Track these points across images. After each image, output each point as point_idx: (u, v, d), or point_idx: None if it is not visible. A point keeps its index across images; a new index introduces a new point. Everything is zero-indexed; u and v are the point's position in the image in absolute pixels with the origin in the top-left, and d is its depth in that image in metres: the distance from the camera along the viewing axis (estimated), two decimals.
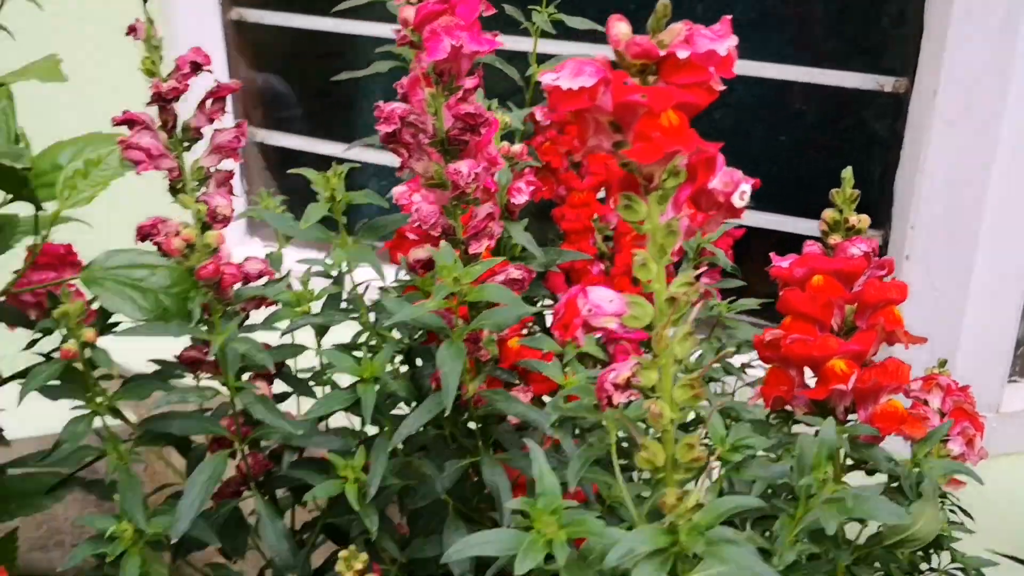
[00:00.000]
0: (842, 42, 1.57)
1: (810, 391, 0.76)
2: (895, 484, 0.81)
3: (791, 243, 0.93)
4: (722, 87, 0.54)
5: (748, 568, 0.53)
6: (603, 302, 0.57)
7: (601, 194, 1.16)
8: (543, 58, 1.12)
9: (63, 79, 0.71)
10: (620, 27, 0.53)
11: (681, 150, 0.51)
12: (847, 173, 0.77)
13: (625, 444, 0.89)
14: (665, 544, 0.53)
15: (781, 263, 0.79)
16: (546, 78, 0.53)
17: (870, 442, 0.79)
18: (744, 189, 0.58)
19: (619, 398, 0.59)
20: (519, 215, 0.96)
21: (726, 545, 0.53)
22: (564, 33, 1.10)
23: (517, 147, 0.94)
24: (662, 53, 0.51)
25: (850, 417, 0.78)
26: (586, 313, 0.57)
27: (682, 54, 0.51)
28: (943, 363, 1.33)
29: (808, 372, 0.79)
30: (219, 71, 1.95)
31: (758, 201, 1.11)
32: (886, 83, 1.48)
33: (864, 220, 0.79)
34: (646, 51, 0.52)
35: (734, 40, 0.53)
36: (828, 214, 0.79)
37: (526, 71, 1.13)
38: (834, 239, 0.79)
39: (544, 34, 1.08)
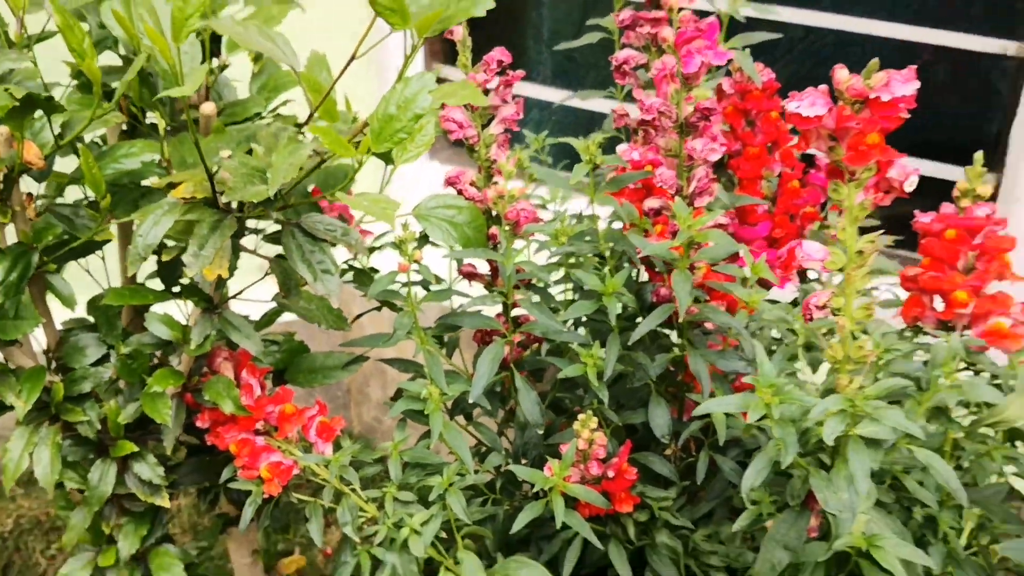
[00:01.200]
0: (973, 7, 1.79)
1: (939, 313, 1.06)
2: (996, 382, 1.10)
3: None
4: (907, 115, 0.83)
5: (898, 423, 0.84)
6: (813, 251, 0.87)
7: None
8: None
9: None
10: (842, 73, 0.82)
11: (879, 158, 0.81)
12: (978, 156, 1.04)
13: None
14: (846, 407, 0.85)
15: (923, 219, 1.08)
16: (790, 106, 0.82)
17: (980, 350, 1.08)
18: (913, 179, 0.87)
19: (818, 315, 0.89)
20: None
21: (886, 409, 0.85)
22: None
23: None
24: (871, 96, 0.80)
25: (965, 332, 1.07)
26: (801, 258, 0.88)
27: (885, 97, 0.80)
28: None
29: (938, 299, 1.08)
30: None
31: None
32: (1009, 47, 1.71)
33: (986, 190, 1.07)
34: (860, 93, 0.81)
35: (917, 84, 0.82)
36: (961, 185, 1.07)
37: None
38: (964, 203, 1.07)
39: None
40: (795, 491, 0.96)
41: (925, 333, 1.10)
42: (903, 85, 0.81)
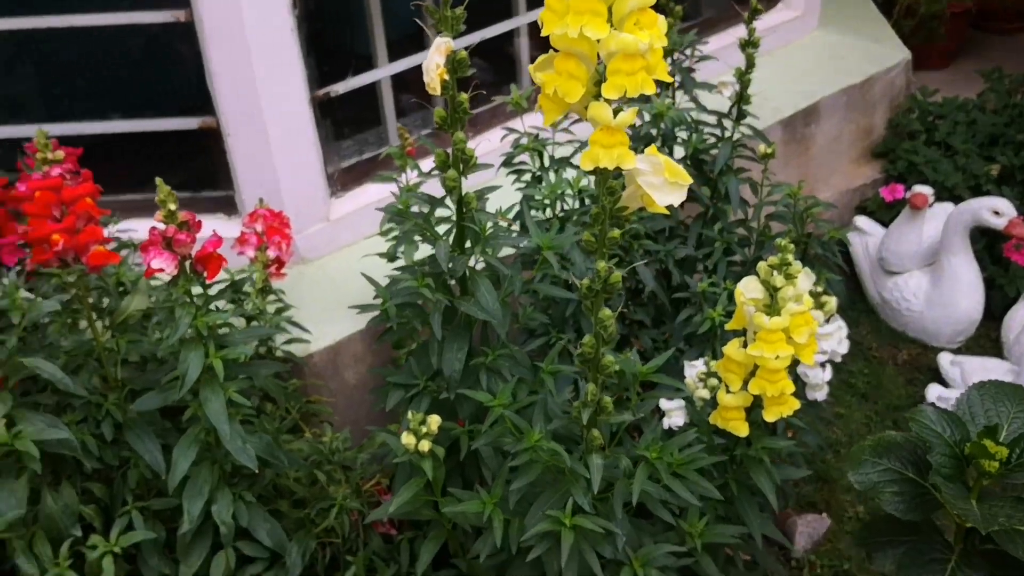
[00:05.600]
0: None
1: (38, 256, 1.38)
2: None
3: None
4: None
5: None
6: None
7: None
8: None
9: None
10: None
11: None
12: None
13: None
14: None
15: (20, 187, 1.40)
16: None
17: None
18: None
19: None
20: None
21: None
22: None
23: None
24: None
25: (80, 262, 1.41)
26: None
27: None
28: (261, 200, 2.04)
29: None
30: None
31: None
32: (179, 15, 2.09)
33: (60, 154, 1.41)
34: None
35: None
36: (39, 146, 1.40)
37: None
38: (45, 167, 1.40)
39: None
40: None
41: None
42: None
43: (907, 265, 2.79)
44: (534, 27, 2.66)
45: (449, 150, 1.21)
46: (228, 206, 2.30)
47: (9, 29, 2.10)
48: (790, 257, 1.19)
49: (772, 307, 1.21)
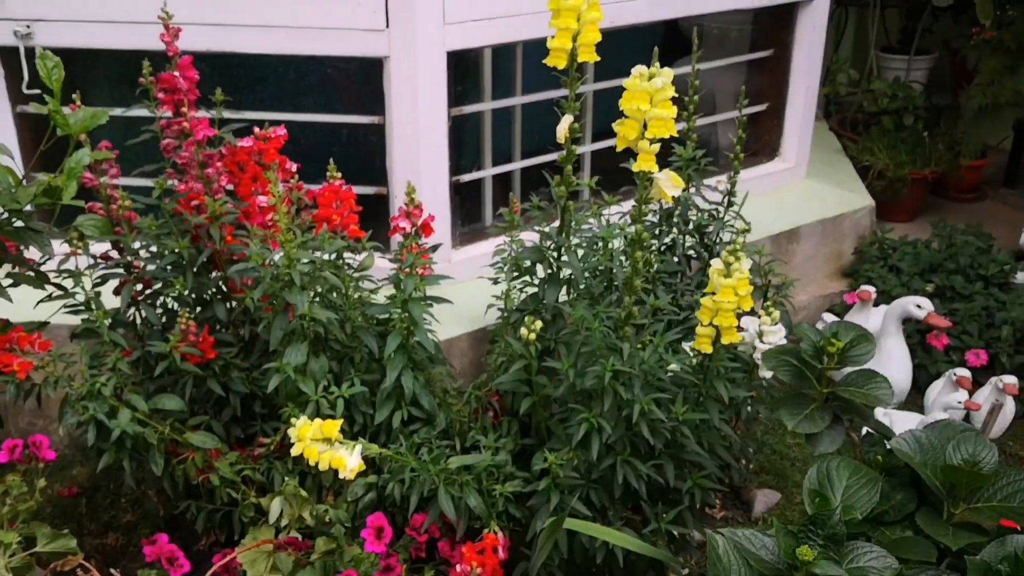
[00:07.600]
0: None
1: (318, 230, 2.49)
2: None
3: None
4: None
5: None
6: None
7: None
8: None
9: None
10: (257, 130, 2.22)
11: (280, 161, 2.22)
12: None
13: None
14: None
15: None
16: (240, 143, 2.20)
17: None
18: (292, 166, 2.29)
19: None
20: None
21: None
22: None
23: None
24: (268, 136, 2.21)
25: None
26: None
27: (273, 136, 2.21)
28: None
29: None
30: None
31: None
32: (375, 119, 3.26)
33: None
34: (263, 135, 2.21)
35: (283, 132, 2.24)
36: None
37: None
38: None
39: None
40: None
41: None
42: (279, 132, 2.23)
43: None
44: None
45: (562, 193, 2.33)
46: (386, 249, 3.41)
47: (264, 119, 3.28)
48: (739, 248, 2.25)
49: (728, 274, 2.27)
